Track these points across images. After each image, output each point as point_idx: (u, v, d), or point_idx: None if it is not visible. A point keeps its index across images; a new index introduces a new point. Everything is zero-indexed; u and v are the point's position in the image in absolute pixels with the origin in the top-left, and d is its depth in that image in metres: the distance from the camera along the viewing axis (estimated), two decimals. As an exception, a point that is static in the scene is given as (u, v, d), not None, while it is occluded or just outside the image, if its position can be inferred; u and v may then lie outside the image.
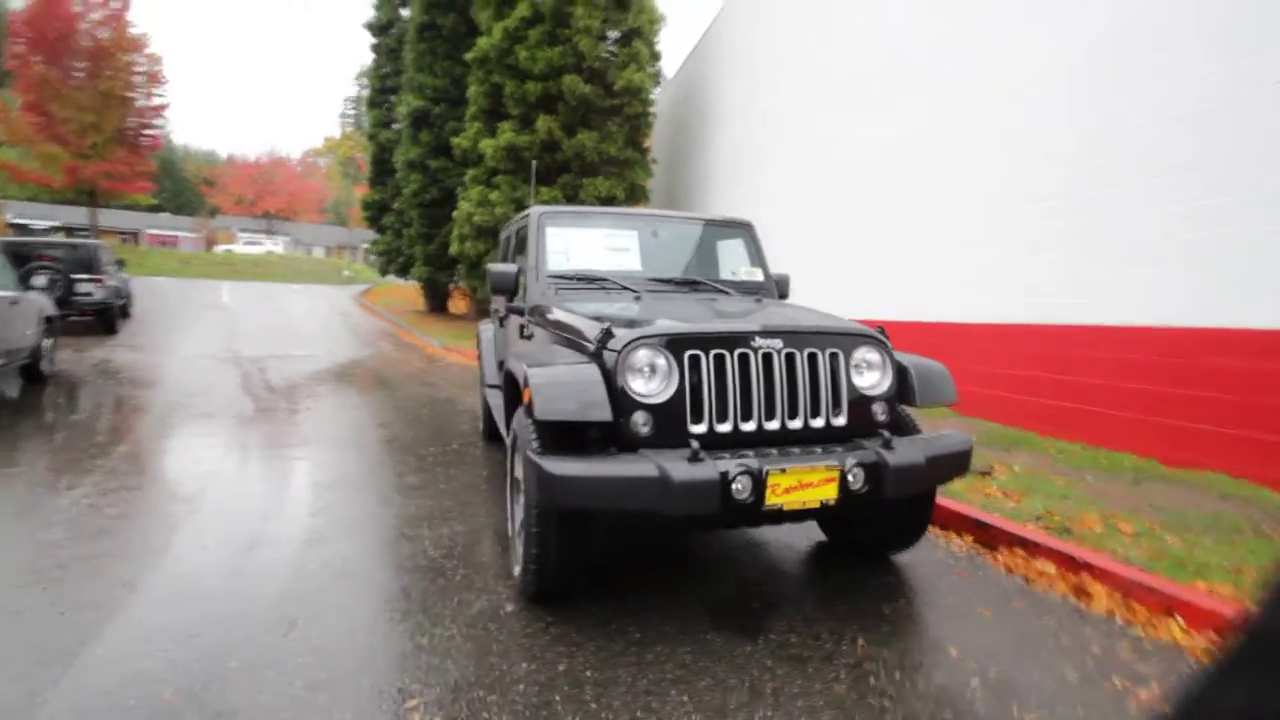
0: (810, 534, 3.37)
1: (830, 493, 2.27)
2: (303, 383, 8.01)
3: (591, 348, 2.43)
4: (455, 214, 13.48)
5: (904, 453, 2.38)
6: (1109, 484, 3.98)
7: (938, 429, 2.88)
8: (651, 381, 2.34)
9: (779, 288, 3.96)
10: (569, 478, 2.11)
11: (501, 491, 3.95)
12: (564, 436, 2.38)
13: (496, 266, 3.57)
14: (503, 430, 3.64)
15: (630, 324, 2.50)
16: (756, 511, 2.22)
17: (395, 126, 19.38)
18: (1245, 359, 3.89)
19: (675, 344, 2.37)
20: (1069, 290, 5.01)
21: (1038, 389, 5.18)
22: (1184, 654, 2.30)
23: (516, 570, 2.58)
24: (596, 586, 2.66)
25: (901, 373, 2.69)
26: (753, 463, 2.19)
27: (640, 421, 2.30)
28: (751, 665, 2.17)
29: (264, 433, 5.33)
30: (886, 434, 2.46)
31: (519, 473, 2.74)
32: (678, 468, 2.10)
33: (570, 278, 3.49)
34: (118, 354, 9.58)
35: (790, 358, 2.48)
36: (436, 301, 19.57)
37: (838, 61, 8.17)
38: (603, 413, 2.24)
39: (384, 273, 20.60)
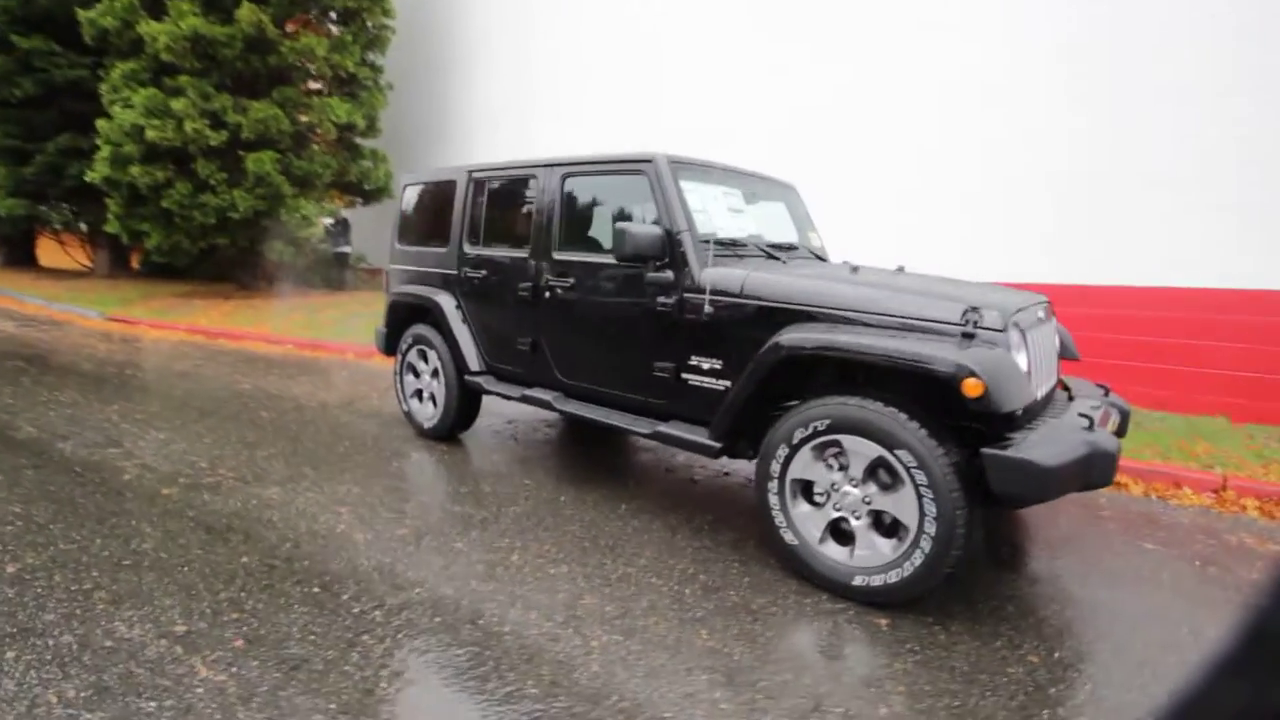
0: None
1: (1113, 442, 2.65)
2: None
3: (955, 329, 2.25)
4: (104, 125, 9.35)
5: (1122, 400, 2.89)
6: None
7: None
8: (1021, 357, 2.32)
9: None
10: (1059, 467, 2.01)
11: (609, 498, 3.28)
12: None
13: (636, 227, 2.83)
14: (672, 429, 2.96)
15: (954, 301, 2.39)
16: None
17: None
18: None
19: (1019, 318, 2.38)
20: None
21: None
22: (1211, 510, 3.41)
23: (863, 580, 2.30)
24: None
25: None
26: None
27: (1019, 400, 2.28)
28: (1103, 598, 2.45)
29: (93, 482, 3.18)
30: (1106, 386, 2.93)
31: (812, 473, 2.43)
32: (1097, 440, 2.19)
33: (720, 243, 2.99)
34: None
35: (1043, 323, 2.72)
36: (18, 250, 13.29)
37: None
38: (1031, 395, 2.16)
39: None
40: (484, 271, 3.81)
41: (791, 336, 2.45)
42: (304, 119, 10.04)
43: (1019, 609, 2.38)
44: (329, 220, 12.41)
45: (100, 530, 2.76)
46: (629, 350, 3.13)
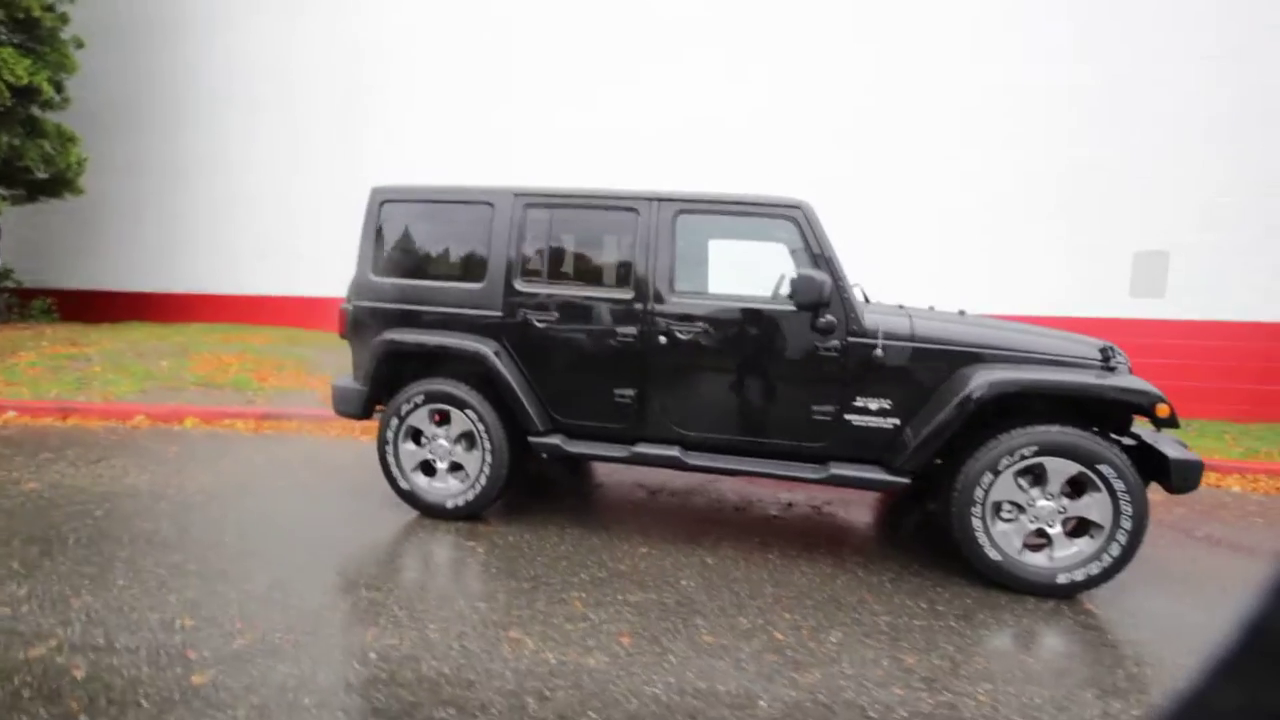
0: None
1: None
2: None
3: (1096, 363, 2.86)
4: None
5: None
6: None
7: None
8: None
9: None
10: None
11: (743, 552, 3.19)
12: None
13: (818, 274, 2.85)
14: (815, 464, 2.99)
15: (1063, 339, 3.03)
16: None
17: None
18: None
19: (1113, 353, 3.12)
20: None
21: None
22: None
23: (1067, 577, 2.74)
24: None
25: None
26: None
27: (1131, 416, 2.99)
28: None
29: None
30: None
31: (1006, 494, 2.81)
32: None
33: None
34: None
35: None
36: None
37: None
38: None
39: None
40: (554, 315, 3.27)
41: (1001, 377, 2.78)
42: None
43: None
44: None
45: None
46: (784, 396, 3.09)
